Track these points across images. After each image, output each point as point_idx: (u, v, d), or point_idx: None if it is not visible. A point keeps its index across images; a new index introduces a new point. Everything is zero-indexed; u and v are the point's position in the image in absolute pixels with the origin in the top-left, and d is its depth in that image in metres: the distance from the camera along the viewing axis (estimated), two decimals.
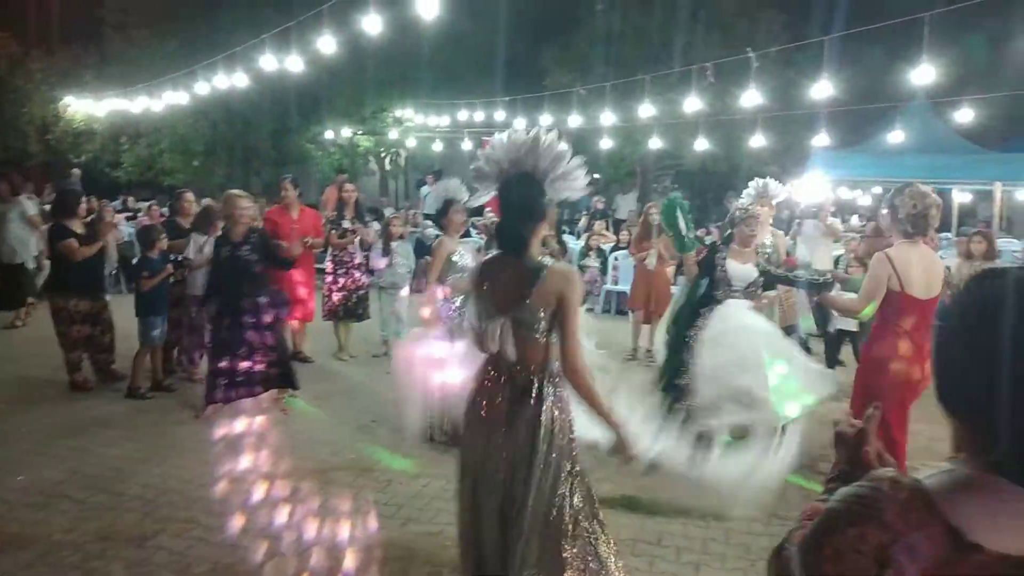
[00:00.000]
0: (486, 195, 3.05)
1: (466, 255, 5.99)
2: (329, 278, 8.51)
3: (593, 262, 13.28)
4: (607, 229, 14.80)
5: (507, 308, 2.82)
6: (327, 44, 8.72)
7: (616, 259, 12.07)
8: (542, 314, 2.78)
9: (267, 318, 6.34)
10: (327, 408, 6.84)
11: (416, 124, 20.45)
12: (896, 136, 11.97)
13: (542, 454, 2.79)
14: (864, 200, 17.62)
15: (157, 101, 15.22)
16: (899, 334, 4.29)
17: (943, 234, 12.08)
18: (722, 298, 5.49)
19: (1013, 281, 1.11)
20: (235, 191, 6.70)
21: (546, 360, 2.86)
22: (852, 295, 5.24)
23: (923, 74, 7.65)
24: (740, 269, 5.56)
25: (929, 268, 4.30)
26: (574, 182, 2.95)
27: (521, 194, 2.88)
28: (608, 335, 7.85)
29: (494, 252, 3.12)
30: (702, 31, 16.99)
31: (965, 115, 11.11)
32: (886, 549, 1.05)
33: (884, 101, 13.06)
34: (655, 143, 14.72)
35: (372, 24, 8.04)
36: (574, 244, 14.66)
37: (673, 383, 5.46)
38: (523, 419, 2.81)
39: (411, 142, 20.81)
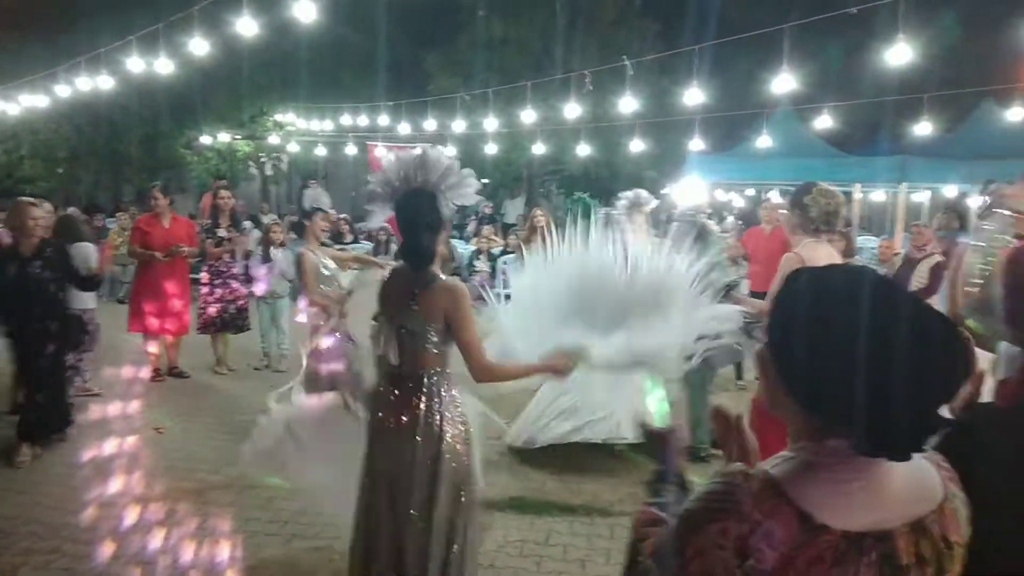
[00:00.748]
0: (382, 215, 3.12)
1: (330, 264, 5.85)
2: (205, 289, 8.16)
3: (483, 266, 13.35)
4: (496, 234, 14.92)
5: (398, 317, 2.94)
6: (199, 46, 8.37)
7: (505, 263, 12.18)
8: (432, 326, 2.91)
9: (50, 347, 5.66)
10: (204, 424, 6.56)
11: (298, 129, 19.97)
12: (764, 141, 12.61)
13: (433, 459, 2.89)
14: (738, 202, 18.44)
15: (14, 105, 14.20)
16: None
17: None
18: None
19: (841, 275, 1.19)
20: (25, 198, 5.99)
21: (439, 368, 2.96)
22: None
23: (783, 83, 8.11)
24: None
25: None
26: (465, 190, 3.05)
27: (416, 209, 2.98)
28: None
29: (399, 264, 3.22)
30: (581, 39, 17.41)
31: (825, 121, 11.83)
32: (746, 540, 1.08)
33: (752, 107, 13.74)
34: (539, 148, 14.95)
35: (247, 27, 7.78)
36: (463, 249, 14.70)
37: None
38: (415, 425, 2.90)
39: (293, 147, 20.31)
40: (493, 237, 14.45)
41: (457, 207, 3.24)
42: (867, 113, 15.39)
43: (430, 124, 14.67)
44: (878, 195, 16.52)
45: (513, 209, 18.50)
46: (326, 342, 5.23)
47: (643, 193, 6.69)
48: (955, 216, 6.93)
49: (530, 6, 18.25)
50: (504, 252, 13.22)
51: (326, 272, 5.75)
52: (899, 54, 6.92)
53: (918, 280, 6.74)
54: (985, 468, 1.43)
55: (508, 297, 3.91)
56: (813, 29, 8.31)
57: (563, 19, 18.05)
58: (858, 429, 1.09)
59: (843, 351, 1.09)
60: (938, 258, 6.63)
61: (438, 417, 2.91)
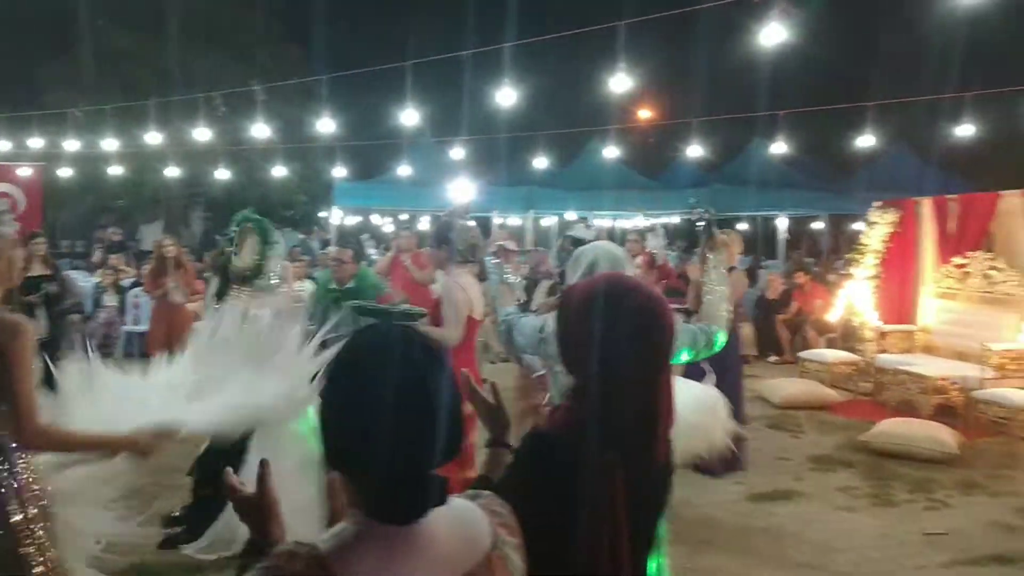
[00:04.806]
0: None
1: None
2: None
3: (111, 301, 12.03)
4: (128, 263, 13.52)
5: None
6: None
7: (136, 296, 11.10)
8: None
9: None
10: None
11: None
12: (406, 169, 13.19)
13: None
14: (388, 228, 19.00)
15: None
16: (470, 358, 4.59)
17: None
18: None
19: (369, 335, 1.19)
20: None
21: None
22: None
23: (409, 116, 8.55)
24: None
25: (476, 292, 4.69)
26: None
27: None
28: None
29: None
30: (217, 59, 16.63)
31: (460, 152, 12.73)
32: None
33: (392, 137, 14.23)
34: (172, 171, 13.92)
35: None
36: (84, 282, 13.10)
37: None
38: None
39: None
40: (123, 267, 13.08)
41: (79, 232, 2.84)
42: (497, 146, 16.79)
43: (36, 142, 12.86)
44: (514, 220, 18.14)
45: (150, 234, 16.97)
46: None
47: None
48: (571, 241, 7.83)
49: (156, 21, 16.98)
50: (136, 284, 12.04)
51: None
52: (506, 97, 7.69)
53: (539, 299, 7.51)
54: (540, 494, 1.54)
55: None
56: (438, 64, 8.84)
57: (200, 37, 17.07)
58: (364, 495, 1.11)
59: (344, 415, 1.10)
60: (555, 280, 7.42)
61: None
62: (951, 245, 8.14)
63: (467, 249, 4.56)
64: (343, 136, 11.02)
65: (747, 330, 10.14)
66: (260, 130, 10.06)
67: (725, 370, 5.28)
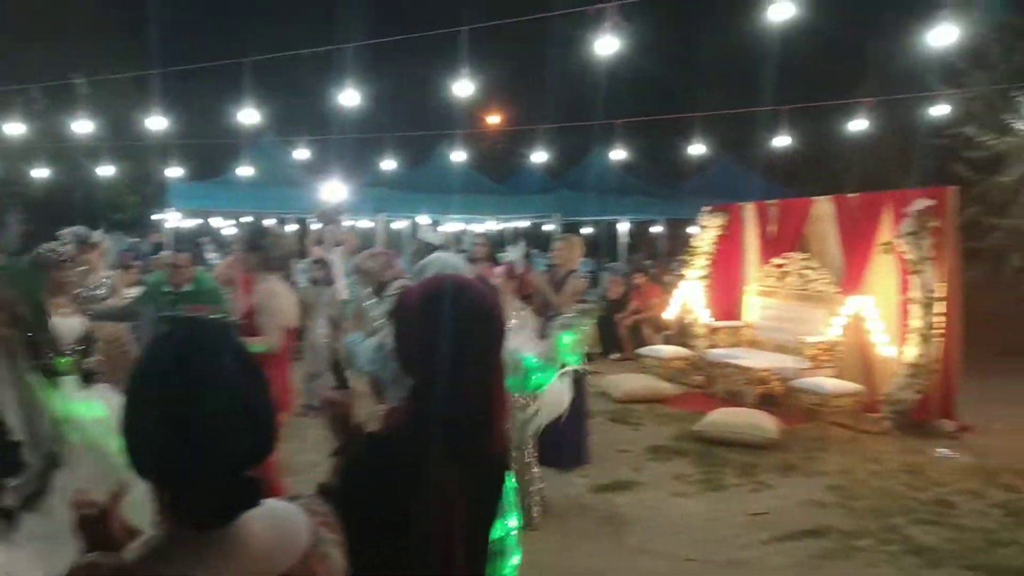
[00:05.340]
0: None
1: None
2: None
3: None
4: None
5: None
6: None
7: None
8: None
9: None
10: None
11: None
12: (247, 170, 12.66)
13: None
14: (230, 230, 18.18)
15: None
16: (284, 365, 4.54)
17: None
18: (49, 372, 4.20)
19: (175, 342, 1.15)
20: None
21: None
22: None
23: (248, 116, 8.24)
24: (65, 325, 4.91)
25: (291, 300, 4.64)
26: None
27: None
28: None
29: None
30: (35, 48, 15.31)
31: (303, 152, 12.39)
32: None
33: (229, 136, 13.65)
34: None
35: None
36: None
37: None
38: None
39: None
40: None
41: None
42: (345, 147, 16.48)
43: None
44: (365, 223, 17.85)
45: None
46: None
47: (95, 233, 6.14)
48: (424, 245, 7.81)
49: None
50: None
51: None
52: (350, 98, 7.57)
53: None
54: (376, 494, 1.55)
55: None
56: (282, 61, 8.57)
57: (17, 25, 15.64)
58: (171, 501, 1.09)
59: (146, 420, 1.08)
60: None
61: None
62: (771, 247, 8.83)
63: (281, 258, 4.58)
64: (179, 134, 10.43)
65: (590, 329, 10.54)
66: (82, 126, 9.35)
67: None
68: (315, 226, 7.44)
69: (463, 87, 7.18)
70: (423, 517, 1.55)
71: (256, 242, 4.53)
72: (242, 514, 1.11)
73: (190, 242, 11.49)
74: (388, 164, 13.20)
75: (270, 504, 1.19)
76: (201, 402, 1.07)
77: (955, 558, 4.31)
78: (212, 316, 5.29)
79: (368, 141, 14.04)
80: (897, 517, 4.90)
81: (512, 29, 7.25)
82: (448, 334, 1.61)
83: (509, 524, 2.04)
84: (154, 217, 18.49)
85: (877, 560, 4.33)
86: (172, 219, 14.16)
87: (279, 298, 4.41)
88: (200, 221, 15.77)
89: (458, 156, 13.85)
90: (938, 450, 6.28)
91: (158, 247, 12.47)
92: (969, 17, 8.49)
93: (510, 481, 1.84)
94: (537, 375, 4.22)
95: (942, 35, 6.94)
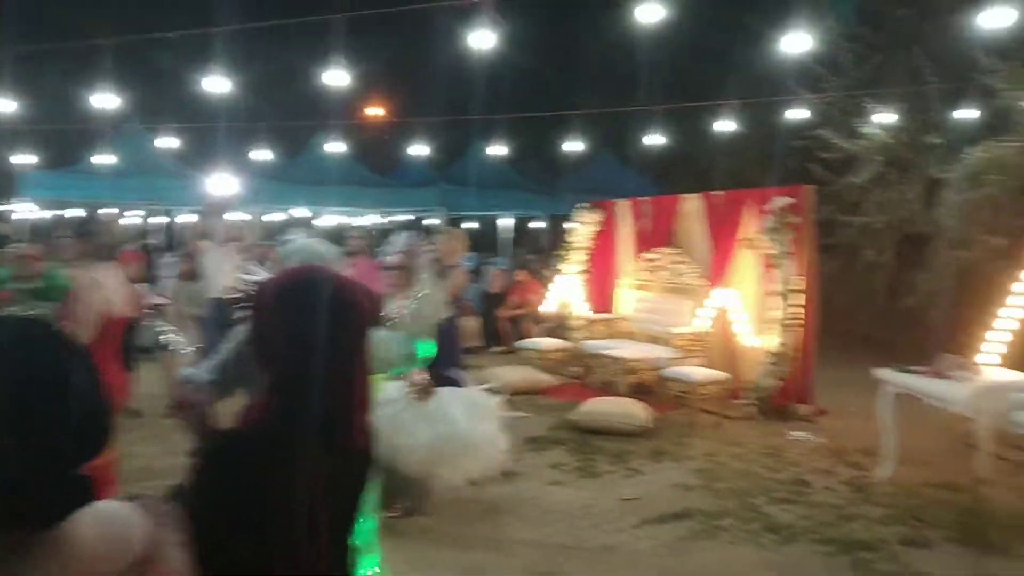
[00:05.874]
0: None
1: None
2: None
3: None
4: None
5: None
6: None
7: None
8: None
9: None
10: None
11: None
12: (109, 158, 11.93)
13: None
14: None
15: None
16: (111, 358, 4.42)
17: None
18: None
19: None
20: None
21: None
22: None
23: (107, 100, 7.76)
24: None
25: (119, 290, 4.53)
26: None
27: None
28: None
29: None
30: None
31: (170, 141, 11.78)
32: None
33: (91, 122, 12.82)
34: None
35: None
36: None
37: None
38: None
39: None
40: None
41: None
42: (216, 136, 15.79)
43: None
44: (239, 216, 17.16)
45: None
46: None
47: None
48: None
49: None
50: None
51: None
52: (218, 84, 7.25)
53: None
54: (231, 494, 1.50)
55: None
56: (140, 45, 8.13)
57: None
58: None
59: None
60: None
61: None
62: (644, 242, 9.14)
63: (112, 245, 4.52)
64: (30, 119, 9.66)
65: (473, 323, 10.58)
66: None
67: (449, 362, 5.50)
68: (189, 220, 7.13)
69: (337, 76, 7.02)
70: (282, 514, 1.51)
71: (85, 228, 4.44)
72: (71, 515, 1.05)
73: (46, 235, 10.72)
74: (263, 155, 12.73)
75: (102, 505, 1.13)
76: (24, 398, 1.01)
77: (808, 533, 4.61)
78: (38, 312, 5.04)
79: (241, 130, 13.51)
80: (757, 497, 5.18)
81: (394, 20, 7.16)
82: (309, 326, 1.57)
83: (374, 520, 2.02)
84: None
85: (738, 539, 4.56)
86: (21, 209, 13.16)
87: (98, 287, 4.33)
88: (58, 212, 14.73)
89: (338, 147, 13.55)
90: (795, 433, 6.69)
91: (3, 239, 11.60)
92: (823, 26, 9.04)
93: (375, 476, 1.81)
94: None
95: (796, 42, 7.39)
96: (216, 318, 6.46)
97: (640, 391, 7.76)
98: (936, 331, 8.33)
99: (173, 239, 15.22)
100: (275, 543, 1.53)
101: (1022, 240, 7.09)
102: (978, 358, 5.91)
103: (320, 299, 1.62)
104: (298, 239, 3.19)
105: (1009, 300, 6.20)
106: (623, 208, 9.55)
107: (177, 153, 13.28)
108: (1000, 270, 6.92)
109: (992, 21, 6.95)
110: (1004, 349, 6.12)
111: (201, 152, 14.60)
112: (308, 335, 1.58)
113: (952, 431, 5.62)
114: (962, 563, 4.21)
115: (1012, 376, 5.32)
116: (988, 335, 6.20)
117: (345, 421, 1.66)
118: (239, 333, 2.53)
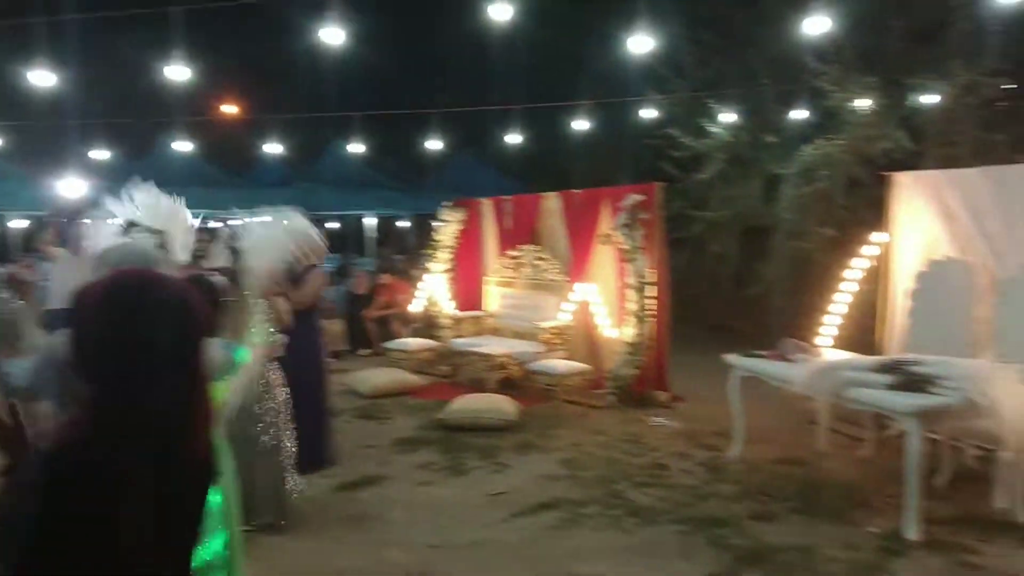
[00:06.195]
0: None
1: None
2: None
3: None
4: None
5: None
6: None
7: None
8: None
9: None
10: None
11: None
12: None
13: None
14: None
15: None
16: None
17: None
18: None
19: None
20: None
21: None
22: None
23: None
24: None
25: None
26: None
27: None
28: None
29: None
30: None
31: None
32: None
33: None
34: None
35: None
36: None
37: None
38: None
39: None
40: None
41: None
42: (44, 133, 14.64)
43: None
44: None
45: None
46: None
47: None
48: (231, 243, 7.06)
49: None
50: None
51: None
52: (43, 78, 6.73)
53: None
54: (49, 516, 1.37)
55: None
56: None
57: None
58: None
59: None
60: None
61: None
62: (508, 239, 9.26)
63: None
64: None
65: (337, 326, 10.35)
66: None
67: (308, 367, 5.36)
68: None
69: (180, 72, 6.67)
70: (108, 535, 1.41)
71: None
72: None
73: None
74: (102, 154, 11.91)
75: None
76: None
77: (667, 514, 4.82)
78: None
79: (77, 128, 12.57)
80: (619, 483, 5.37)
81: (247, 15, 6.87)
82: (132, 333, 1.47)
83: (226, 535, 1.93)
84: None
85: (602, 524, 4.71)
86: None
87: None
88: None
89: (186, 147, 12.88)
90: (654, 419, 6.99)
91: None
92: (667, 30, 9.45)
93: (218, 494, 1.73)
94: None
95: (641, 44, 7.70)
96: (56, 329, 5.98)
97: (508, 386, 7.86)
98: (778, 317, 8.94)
99: (7, 246, 14.00)
100: (108, 568, 1.44)
101: (851, 231, 7.68)
102: (816, 340, 6.39)
103: (146, 303, 1.53)
104: (128, 242, 2.97)
105: (841, 286, 6.74)
106: (486, 206, 9.64)
107: (6, 152, 12.19)
108: (832, 259, 7.51)
109: (814, 28, 7.53)
110: (837, 332, 6.65)
111: (32, 152, 13.49)
112: (133, 341, 1.49)
113: (794, 410, 6.03)
114: (803, 531, 4.54)
115: (844, 356, 5.78)
116: (824, 319, 6.72)
117: (180, 432, 1.57)
118: (55, 340, 2.35)
